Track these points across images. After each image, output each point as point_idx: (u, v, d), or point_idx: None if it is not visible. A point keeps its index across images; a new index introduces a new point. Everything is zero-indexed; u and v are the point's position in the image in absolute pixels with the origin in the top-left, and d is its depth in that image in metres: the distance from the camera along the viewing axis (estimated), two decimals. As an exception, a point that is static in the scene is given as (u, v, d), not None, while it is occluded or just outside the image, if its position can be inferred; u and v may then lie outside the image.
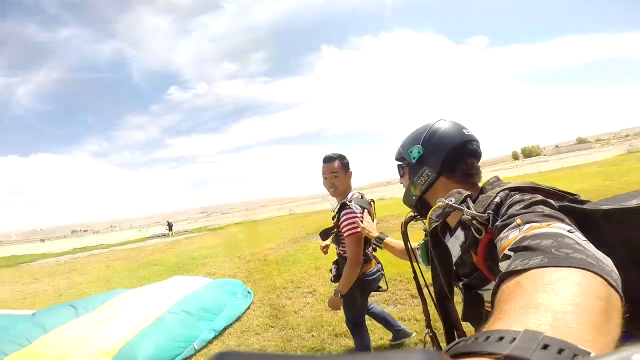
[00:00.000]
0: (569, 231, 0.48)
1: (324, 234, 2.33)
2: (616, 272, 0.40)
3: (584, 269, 0.37)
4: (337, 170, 2.13)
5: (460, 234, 0.87)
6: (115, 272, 9.53)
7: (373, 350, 2.64)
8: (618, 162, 17.20)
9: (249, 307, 4.39)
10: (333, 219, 2.17)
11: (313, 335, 3.31)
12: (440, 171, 0.91)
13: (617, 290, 0.36)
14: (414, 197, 0.99)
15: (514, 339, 0.25)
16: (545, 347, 0.23)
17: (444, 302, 0.89)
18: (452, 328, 0.89)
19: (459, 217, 0.84)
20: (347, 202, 2.05)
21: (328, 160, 2.15)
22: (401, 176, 1.06)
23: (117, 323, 3.46)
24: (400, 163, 1.04)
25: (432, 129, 0.94)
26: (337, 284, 2.10)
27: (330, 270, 2.40)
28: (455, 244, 0.88)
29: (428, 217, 0.81)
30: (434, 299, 0.92)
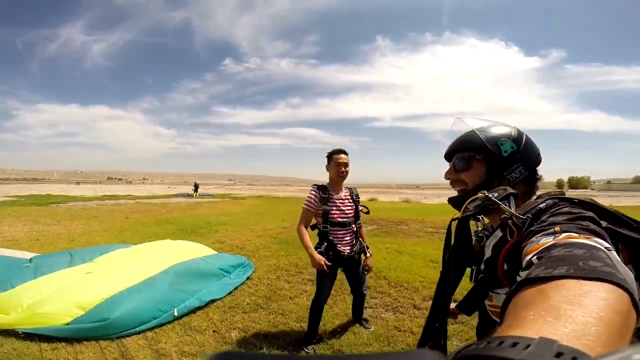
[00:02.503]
0: (606, 248, 0.46)
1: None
2: (636, 291, 0.37)
3: (612, 282, 0.36)
4: (348, 161, 2.65)
5: (498, 234, 0.84)
6: (132, 225, 9.76)
7: None
8: None
9: (244, 282, 4.20)
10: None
11: (301, 326, 3.05)
12: (529, 172, 0.88)
13: (636, 310, 0.35)
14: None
15: (528, 346, 0.24)
16: (558, 355, 0.23)
17: (443, 295, 0.85)
18: (434, 322, 0.86)
19: (499, 218, 0.75)
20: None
21: (344, 152, 2.65)
22: (466, 169, 0.93)
23: (105, 277, 3.36)
24: (470, 154, 0.92)
25: (518, 130, 0.91)
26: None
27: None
28: (490, 244, 0.88)
29: (464, 207, 0.79)
30: (437, 290, 0.88)
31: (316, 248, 2.59)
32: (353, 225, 2.68)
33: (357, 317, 3.08)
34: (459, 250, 0.83)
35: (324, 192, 2.60)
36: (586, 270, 0.39)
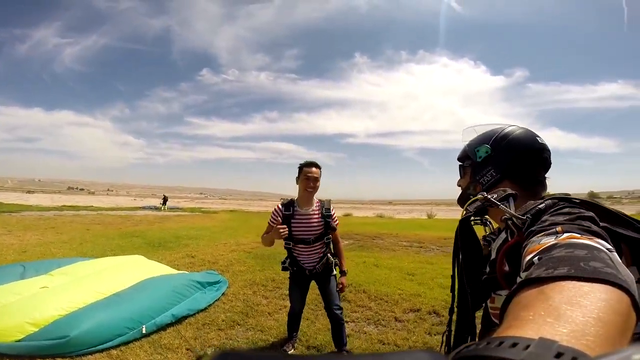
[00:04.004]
0: (608, 249, 0.46)
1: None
2: (636, 292, 0.37)
3: (613, 283, 0.36)
4: (319, 175, 2.56)
5: (502, 236, 0.85)
6: (93, 237, 9.12)
7: None
8: None
9: (219, 298, 3.98)
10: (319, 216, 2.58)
11: (282, 344, 2.90)
12: (505, 173, 0.90)
13: (637, 311, 0.35)
14: (472, 196, 0.90)
15: (528, 346, 0.24)
16: (558, 355, 0.23)
17: (464, 298, 0.85)
18: (465, 333, 0.86)
19: (501, 219, 0.77)
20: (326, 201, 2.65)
21: (315, 165, 2.55)
22: (461, 177, 1.04)
23: (63, 292, 3.05)
24: (462, 163, 1.02)
25: (505, 132, 0.93)
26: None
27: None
28: (496, 245, 0.89)
29: (464, 208, 0.80)
30: (455, 297, 0.89)
31: (282, 263, 2.70)
32: (321, 242, 2.57)
33: (338, 346, 2.72)
34: (466, 252, 0.83)
35: (287, 209, 2.54)
36: (587, 271, 0.38)
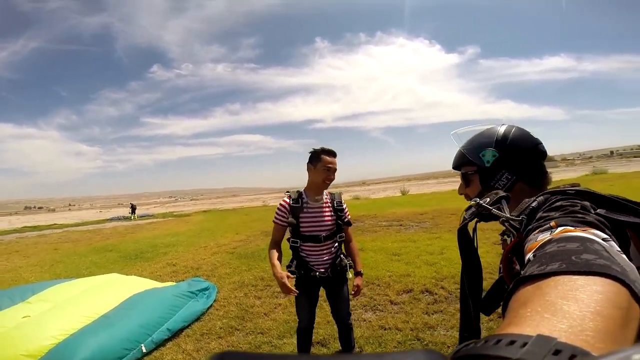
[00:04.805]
0: (603, 239, 0.46)
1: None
2: None
3: (606, 275, 0.35)
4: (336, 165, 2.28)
5: (507, 240, 0.82)
6: (64, 256, 8.63)
7: None
8: (584, 182, 16.89)
9: (211, 305, 3.91)
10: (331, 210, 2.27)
11: (285, 342, 2.92)
12: (519, 174, 0.89)
13: (638, 301, 0.34)
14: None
15: (526, 344, 0.24)
16: (556, 352, 0.23)
17: (466, 304, 0.85)
18: (467, 332, 0.86)
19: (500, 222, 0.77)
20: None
21: (334, 154, 2.24)
22: (467, 184, 0.99)
23: (48, 320, 2.89)
24: (466, 171, 0.98)
25: (503, 132, 0.92)
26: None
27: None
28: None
29: (461, 216, 0.80)
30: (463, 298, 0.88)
31: (288, 267, 2.22)
32: (332, 240, 2.25)
33: (346, 349, 2.52)
34: (466, 261, 0.83)
35: (296, 201, 2.20)
36: (579, 264, 0.38)
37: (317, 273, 2.20)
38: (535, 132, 0.93)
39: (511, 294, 0.40)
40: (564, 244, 0.45)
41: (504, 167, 0.90)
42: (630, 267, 0.42)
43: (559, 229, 0.52)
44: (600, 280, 0.35)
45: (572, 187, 0.74)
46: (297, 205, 2.19)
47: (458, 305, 3.20)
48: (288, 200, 2.21)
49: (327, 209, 2.24)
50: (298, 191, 2.27)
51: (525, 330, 0.29)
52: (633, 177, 15.98)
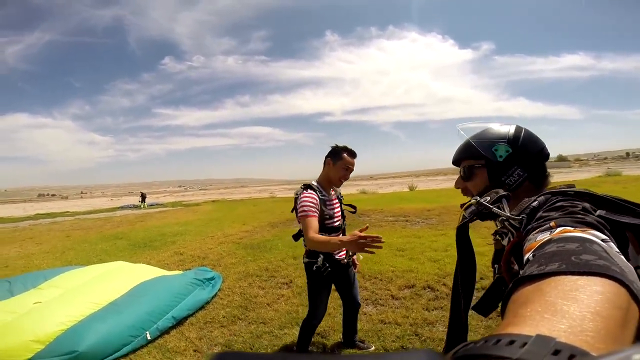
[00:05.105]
0: (602, 240, 0.46)
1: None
2: (638, 283, 0.37)
3: (606, 275, 0.36)
4: None
5: (501, 239, 0.85)
6: (75, 243, 8.86)
7: None
8: (596, 183, 15.70)
9: (216, 294, 3.99)
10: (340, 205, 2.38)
11: (286, 333, 2.97)
12: (530, 172, 0.89)
13: (637, 302, 0.34)
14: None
15: (525, 344, 0.24)
16: (556, 352, 0.23)
17: (457, 301, 0.85)
18: (456, 329, 0.86)
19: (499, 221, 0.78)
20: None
21: (355, 156, 2.30)
22: (469, 178, 0.96)
23: (58, 306, 2.99)
24: (471, 164, 0.95)
25: (514, 132, 0.91)
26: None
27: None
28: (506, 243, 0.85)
29: (461, 215, 0.80)
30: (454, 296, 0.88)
31: (310, 263, 2.25)
32: (344, 229, 2.38)
33: (350, 336, 2.65)
34: (463, 259, 0.83)
35: (321, 194, 2.23)
36: (578, 264, 0.38)
37: (344, 260, 2.30)
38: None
39: (510, 294, 0.40)
40: (564, 244, 0.45)
41: (516, 164, 0.89)
42: (629, 267, 0.42)
43: (559, 229, 0.52)
44: (600, 280, 0.36)
45: (569, 188, 0.74)
46: (323, 198, 2.22)
47: None
48: (315, 194, 2.19)
49: (336, 200, 2.35)
50: (316, 184, 2.28)
51: (525, 330, 0.29)
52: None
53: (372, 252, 1.79)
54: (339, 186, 2.34)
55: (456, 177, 1.07)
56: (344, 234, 2.32)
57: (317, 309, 2.32)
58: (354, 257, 2.49)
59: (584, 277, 0.36)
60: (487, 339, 0.26)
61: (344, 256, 2.32)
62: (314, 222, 2.10)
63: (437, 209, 9.88)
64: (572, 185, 0.76)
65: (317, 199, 2.17)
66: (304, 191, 2.19)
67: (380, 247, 1.77)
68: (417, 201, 13.13)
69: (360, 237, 1.76)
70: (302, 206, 2.12)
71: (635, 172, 25.98)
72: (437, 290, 3.62)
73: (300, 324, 2.48)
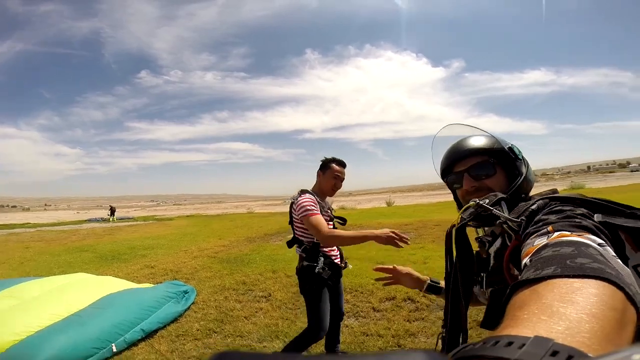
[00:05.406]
0: (598, 244, 0.47)
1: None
2: (636, 286, 0.38)
3: (600, 278, 0.36)
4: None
5: (500, 241, 0.84)
6: (35, 255, 8.25)
7: None
8: None
9: (189, 308, 3.77)
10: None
11: (265, 346, 2.82)
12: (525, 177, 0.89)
13: (634, 304, 0.35)
14: (524, 195, 0.88)
15: (523, 345, 0.24)
16: (554, 353, 0.23)
17: (456, 306, 0.85)
18: (458, 332, 0.85)
19: (496, 223, 0.77)
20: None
21: (344, 165, 2.37)
22: (492, 174, 0.88)
23: (14, 316, 2.72)
24: (491, 159, 0.89)
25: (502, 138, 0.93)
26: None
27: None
28: (493, 251, 0.86)
29: (459, 216, 0.80)
30: (449, 302, 0.87)
31: (310, 267, 2.16)
32: None
33: (332, 346, 2.55)
34: (462, 261, 0.83)
35: (318, 198, 2.24)
36: (573, 268, 0.39)
37: (341, 266, 2.34)
38: (521, 147, 0.93)
39: (508, 298, 0.40)
40: (559, 249, 0.46)
41: (524, 166, 0.90)
42: (625, 271, 0.43)
43: (556, 233, 0.52)
44: (595, 282, 0.36)
45: (552, 193, 0.77)
46: (321, 202, 2.23)
47: (439, 314, 3.21)
48: (313, 197, 2.21)
49: (328, 212, 2.35)
50: (307, 190, 2.30)
51: (523, 332, 0.29)
52: (609, 192, 16.65)
53: (400, 247, 1.94)
54: (331, 196, 2.36)
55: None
56: None
57: (324, 318, 2.18)
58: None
59: (579, 280, 0.37)
60: (486, 341, 0.26)
61: (339, 262, 2.33)
62: (322, 219, 2.07)
63: (415, 224, 9.99)
64: (555, 190, 0.79)
65: (316, 201, 2.17)
66: (301, 195, 2.20)
67: (408, 244, 1.93)
68: (394, 216, 13.25)
69: (393, 232, 1.88)
70: (304, 206, 2.10)
71: (596, 184, 27.89)
72: (418, 301, 3.60)
73: (297, 336, 2.31)
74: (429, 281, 1.27)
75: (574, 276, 0.37)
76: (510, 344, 0.25)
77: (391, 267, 1.38)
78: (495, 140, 0.91)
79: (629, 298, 0.35)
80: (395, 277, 1.35)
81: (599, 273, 0.37)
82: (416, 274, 1.32)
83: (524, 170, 0.89)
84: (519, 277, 0.47)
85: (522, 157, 0.91)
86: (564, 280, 0.38)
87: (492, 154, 0.89)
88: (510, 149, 0.90)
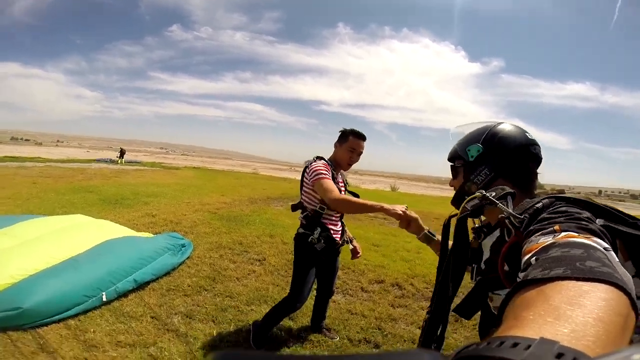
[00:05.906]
0: (605, 248, 0.46)
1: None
2: (636, 294, 0.38)
3: (609, 282, 0.36)
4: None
5: (496, 234, 0.85)
6: (41, 192, 8.37)
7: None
8: None
9: (183, 262, 3.84)
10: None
11: (253, 310, 2.88)
12: (498, 172, 0.90)
13: (635, 310, 0.35)
14: (466, 196, 0.86)
15: (529, 346, 0.24)
16: (559, 356, 0.23)
17: (443, 298, 0.84)
18: (438, 323, 0.85)
19: (497, 216, 0.75)
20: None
21: (364, 138, 2.25)
22: (454, 177, 1.02)
23: (10, 257, 2.75)
24: (453, 164, 1.02)
25: (494, 130, 0.94)
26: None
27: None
28: (488, 243, 0.88)
29: (462, 206, 0.78)
30: (436, 292, 0.88)
31: (304, 235, 2.15)
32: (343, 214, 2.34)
33: (318, 322, 2.61)
34: (458, 250, 0.83)
35: (332, 168, 2.19)
36: (583, 270, 0.38)
37: (338, 242, 2.26)
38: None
39: (511, 296, 0.40)
40: (568, 250, 0.45)
41: (485, 163, 0.92)
42: (628, 276, 0.42)
43: (563, 233, 0.51)
44: (604, 287, 0.36)
45: (559, 192, 0.76)
46: (333, 172, 2.18)
47: (423, 304, 3.23)
48: (328, 164, 2.18)
49: (342, 183, 2.31)
50: (324, 158, 2.25)
51: (528, 333, 0.29)
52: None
53: (409, 230, 1.84)
54: (346, 169, 2.30)
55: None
56: (341, 219, 2.35)
57: (303, 290, 2.20)
58: (357, 245, 2.52)
59: (589, 283, 0.36)
60: (490, 341, 0.26)
61: (338, 238, 2.26)
62: (332, 184, 2.03)
63: (416, 213, 9.94)
64: (562, 191, 0.72)
65: (330, 169, 2.14)
66: (316, 160, 2.18)
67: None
68: (396, 203, 12.96)
69: (404, 211, 1.74)
70: (316, 170, 2.08)
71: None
72: (405, 288, 3.64)
73: (277, 304, 2.38)
74: (426, 231, 1.37)
75: (583, 279, 0.37)
76: (515, 345, 0.25)
77: (404, 207, 1.51)
78: (457, 145, 1.00)
79: (633, 304, 0.35)
80: (404, 220, 1.44)
81: (609, 277, 0.37)
82: (420, 222, 1.42)
83: (477, 170, 0.93)
84: (521, 274, 0.47)
85: (485, 155, 0.92)
86: (573, 283, 0.37)
87: (456, 159, 1.00)
88: (466, 151, 0.95)
